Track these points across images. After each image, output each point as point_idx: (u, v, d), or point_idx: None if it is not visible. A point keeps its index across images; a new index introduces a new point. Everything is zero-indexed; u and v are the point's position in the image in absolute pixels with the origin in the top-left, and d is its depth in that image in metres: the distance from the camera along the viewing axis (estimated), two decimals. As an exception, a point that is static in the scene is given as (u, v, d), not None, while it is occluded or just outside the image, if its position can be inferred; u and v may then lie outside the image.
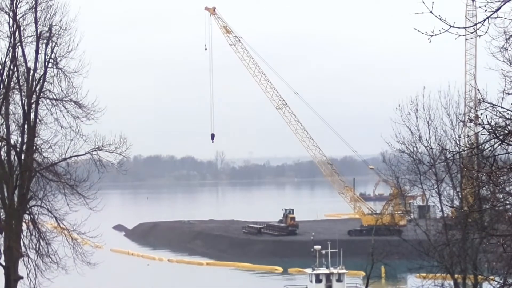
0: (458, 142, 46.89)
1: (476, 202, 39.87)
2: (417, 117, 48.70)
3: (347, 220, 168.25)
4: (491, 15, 17.52)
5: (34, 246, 43.45)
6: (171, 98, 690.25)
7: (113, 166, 45.14)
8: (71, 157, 43.77)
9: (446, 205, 48.33)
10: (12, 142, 42.70)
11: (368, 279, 53.14)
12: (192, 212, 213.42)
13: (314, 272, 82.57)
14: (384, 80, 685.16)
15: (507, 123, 18.53)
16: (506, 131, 18.19)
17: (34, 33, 42.64)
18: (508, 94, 24.10)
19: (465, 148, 40.00)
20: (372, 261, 50.31)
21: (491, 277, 39.62)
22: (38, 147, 43.46)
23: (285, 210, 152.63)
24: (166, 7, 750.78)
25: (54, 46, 42.97)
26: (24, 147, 42.79)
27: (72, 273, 44.58)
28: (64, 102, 43.29)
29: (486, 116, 18.11)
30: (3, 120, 42.88)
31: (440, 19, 16.84)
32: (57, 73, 43.22)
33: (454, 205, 48.18)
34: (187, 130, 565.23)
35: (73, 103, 43.27)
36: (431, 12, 16.54)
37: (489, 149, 18.86)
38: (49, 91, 43.36)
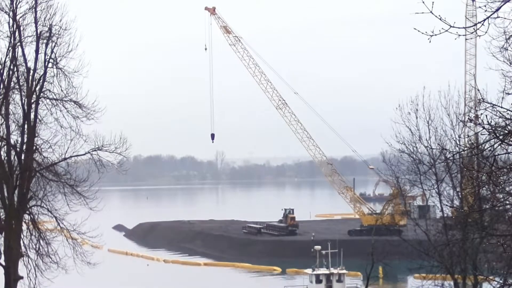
0: (458, 142, 46.91)
1: (476, 202, 39.86)
2: (417, 117, 48.68)
3: (347, 220, 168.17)
4: (491, 15, 17.52)
5: (34, 246, 43.45)
6: (171, 97, 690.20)
7: (113, 166, 45.14)
8: (71, 157, 43.80)
9: (446, 205, 48.30)
10: (12, 142, 42.67)
11: (368, 279, 53.01)
12: (192, 212, 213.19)
13: (314, 272, 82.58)
14: (384, 80, 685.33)
15: (507, 123, 18.53)
16: (506, 131, 18.19)
17: (34, 33, 42.61)
18: (508, 94, 24.12)
19: (465, 148, 40.02)
20: (372, 261, 50.16)
21: (491, 277, 39.64)
22: (38, 147, 43.44)
23: (285, 210, 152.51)
24: (165, 7, 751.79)
25: (54, 46, 42.97)
26: (24, 147, 42.76)
27: (72, 273, 44.59)
28: (64, 102, 43.30)
29: (486, 116, 18.12)
30: (3, 120, 42.86)
31: (440, 19, 16.84)
32: (57, 73, 43.24)
33: (454, 205, 48.14)
34: (187, 130, 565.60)
35: (73, 103, 43.29)
36: (431, 12, 16.53)
37: (489, 149, 18.86)
38: (49, 91, 43.36)
